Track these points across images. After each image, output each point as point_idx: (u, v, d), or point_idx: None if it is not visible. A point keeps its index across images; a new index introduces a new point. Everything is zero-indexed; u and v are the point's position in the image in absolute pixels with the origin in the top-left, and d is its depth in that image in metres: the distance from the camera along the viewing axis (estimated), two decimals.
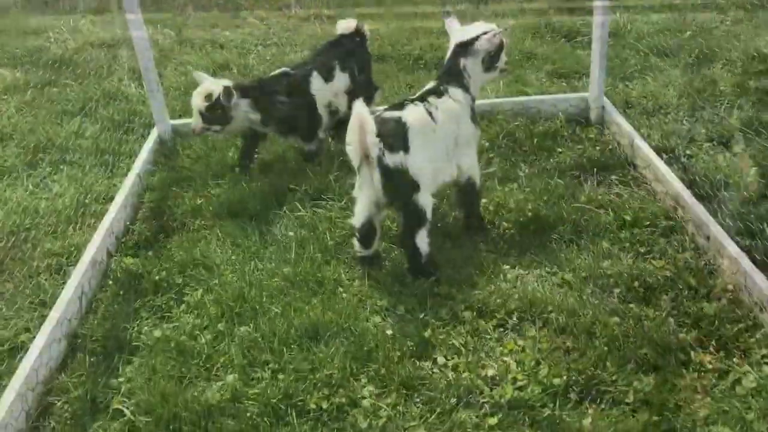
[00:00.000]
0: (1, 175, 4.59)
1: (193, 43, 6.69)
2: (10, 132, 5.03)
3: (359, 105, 3.06)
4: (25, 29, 7.21)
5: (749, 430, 2.54)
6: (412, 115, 3.33)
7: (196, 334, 3.18)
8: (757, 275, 3.06)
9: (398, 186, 3.24)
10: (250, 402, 2.81)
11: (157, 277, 3.52)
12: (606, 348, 2.90)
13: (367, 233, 3.41)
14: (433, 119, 3.37)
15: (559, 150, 4.47)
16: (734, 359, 2.85)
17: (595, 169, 4.22)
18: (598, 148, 4.48)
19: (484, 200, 3.95)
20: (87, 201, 4.28)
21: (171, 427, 2.71)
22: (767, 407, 2.61)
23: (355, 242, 3.47)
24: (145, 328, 3.27)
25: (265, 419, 2.73)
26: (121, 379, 2.98)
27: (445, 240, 3.67)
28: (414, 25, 6.59)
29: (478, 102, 4.86)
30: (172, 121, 4.88)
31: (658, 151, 4.25)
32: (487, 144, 4.53)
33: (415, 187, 3.25)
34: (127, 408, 2.83)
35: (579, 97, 4.86)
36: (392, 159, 3.17)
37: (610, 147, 4.49)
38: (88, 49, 6.60)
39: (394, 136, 3.18)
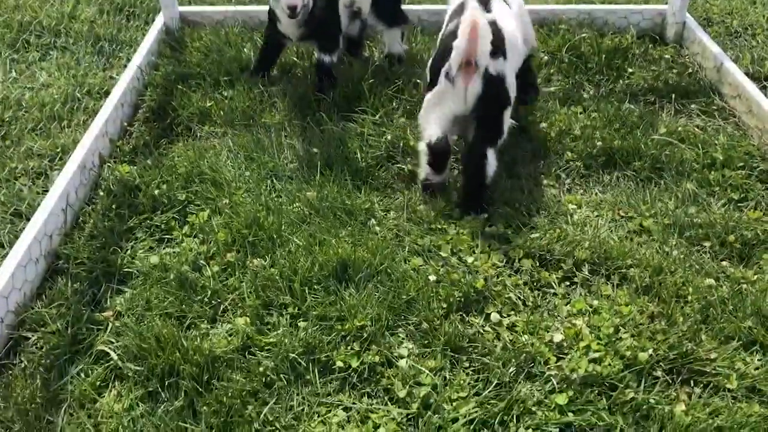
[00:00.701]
0: None
1: None
2: None
3: (473, 4, 2.72)
4: None
5: None
6: (504, 17, 2.91)
7: (200, 264, 2.65)
8: None
9: (496, 96, 2.77)
10: (263, 353, 2.32)
11: (156, 191, 2.96)
12: (700, 317, 2.38)
13: (442, 153, 2.88)
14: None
15: (630, 70, 3.82)
16: None
17: (672, 96, 3.59)
18: (675, 70, 3.83)
19: (542, 124, 3.35)
20: (78, 95, 3.67)
21: (166, 381, 2.23)
22: None
23: (425, 165, 2.93)
24: (140, 252, 2.75)
25: (281, 376, 2.24)
26: (108, 314, 2.48)
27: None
28: None
29: (537, 7, 4.21)
30: (181, 8, 4.21)
31: (750, 78, 3.60)
32: (546, 58, 3.87)
33: (507, 98, 2.83)
34: (114, 351, 2.34)
35: (655, 10, 4.15)
36: (495, 66, 2.74)
37: (690, 70, 3.84)
38: None
39: (496, 41, 2.73)
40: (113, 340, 2.37)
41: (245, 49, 3.90)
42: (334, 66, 3.60)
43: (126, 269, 2.66)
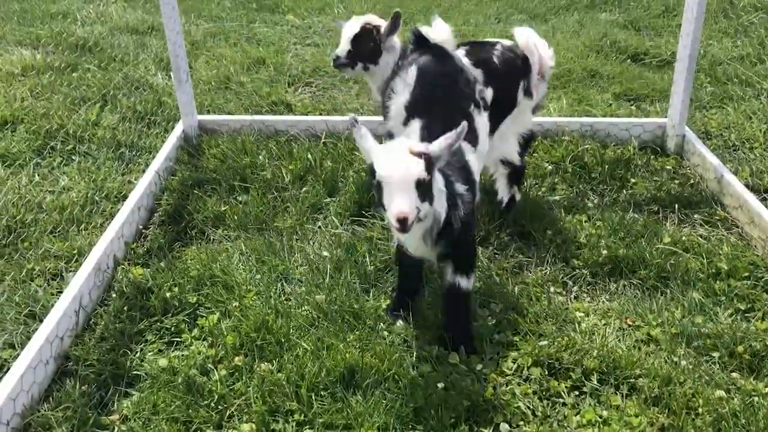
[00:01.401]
0: (5, 161, 4.12)
1: (228, 36, 6.23)
2: (22, 116, 4.56)
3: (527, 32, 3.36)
4: (51, 11, 6.80)
5: None
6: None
7: (208, 368, 2.66)
8: None
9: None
10: None
11: (168, 294, 3.01)
12: (712, 430, 2.34)
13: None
14: None
15: (633, 181, 3.92)
16: None
17: (675, 206, 3.67)
18: (677, 181, 3.94)
19: (549, 231, 3.42)
20: (97, 198, 3.79)
21: None
22: None
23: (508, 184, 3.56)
24: (149, 354, 2.76)
25: None
26: (114, 417, 2.47)
27: (503, 274, 3.14)
28: None
29: (541, 120, 4.38)
30: (200, 117, 4.41)
31: (750, 190, 3.69)
32: (550, 167, 4.00)
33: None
34: None
35: (655, 122, 4.31)
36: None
37: (692, 181, 3.94)
38: (116, 35, 6.17)
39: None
40: None
41: (260, 157, 4.05)
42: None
43: (134, 372, 2.67)
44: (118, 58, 5.62)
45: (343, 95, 5.13)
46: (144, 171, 3.94)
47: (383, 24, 3.58)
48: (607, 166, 3.99)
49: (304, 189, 3.78)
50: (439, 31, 3.05)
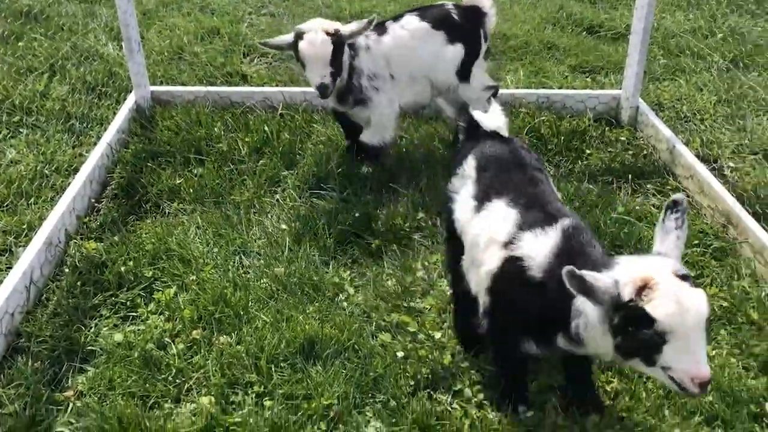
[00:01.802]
0: None
1: (181, 5, 6.06)
2: None
3: None
4: None
5: None
6: None
7: (165, 342, 2.63)
8: None
9: None
10: None
11: (122, 268, 2.95)
12: (663, 393, 2.41)
13: None
14: None
15: (588, 152, 3.98)
16: None
17: (629, 176, 3.74)
18: (631, 152, 4.01)
19: None
20: (47, 171, 3.68)
21: None
22: None
23: None
24: (105, 329, 2.72)
25: None
26: (69, 394, 2.43)
27: None
28: None
29: (499, 91, 4.40)
30: (153, 88, 4.29)
31: (700, 160, 3.77)
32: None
33: None
34: None
35: (610, 94, 4.37)
36: None
37: (645, 152, 4.01)
38: (63, 3, 5.93)
39: None
40: (73, 421, 2.31)
41: (216, 128, 3.98)
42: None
43: (89, 347, 2.62)
44: (66, 26, 5.42)
45: (299, 66, 5.05)
46: (95, 143, 3.83)
47: (338, 26, 3.34)
48: (562, 138, 4.03)
49: (261, 162, 3.73)
50: (492, 117, 2.66)
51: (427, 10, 3.70)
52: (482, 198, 2.38)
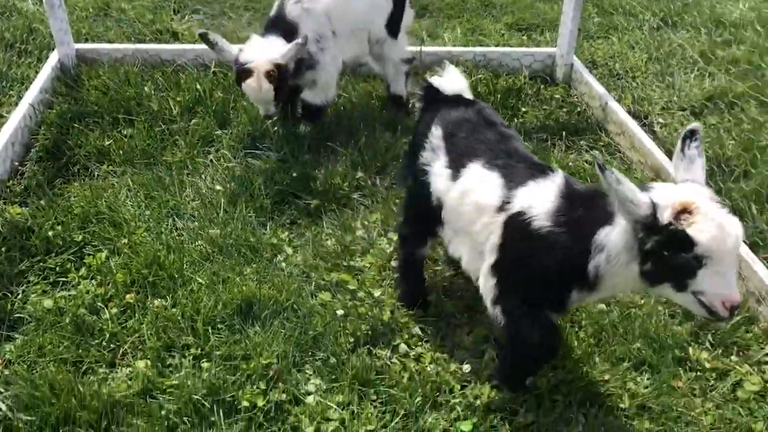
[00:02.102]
0: None
1: None
2: None
3: None
4: None
5: None
6: None
7: (98, 307, 2.56)
8: (755, 262, 2.72)
9: None
10: (165, 397, 2.25)
11: (50, 233, 2.85)
12: (594, 341, 2.50)
13: None
14: None
15: (524, 109, 4.02)
16: (732, 357, 2.51)
17: (563, 133, 3.79)
18: (565, 109, 4.06)
19: None
20: None
21: (60, 430, 2.12)
22: None
23: None
24: (33, 296, 2.63)
25: (185, 419, 2.18)
26: None
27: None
28: None
29: (435, 49, 4.39)
30: (78, 45, 4.10)
31: (631, 116, 3.86)
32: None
33: None
34: (3, 401, 2.20)
35: (545, 52, 4.40)
36: None
37: (579, 109, 4.08)
38: None
39: None
40: (2, 390, 2.24)
41: (145, 88, 3.84)
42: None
43: (17, 314, 2.53)
44: None
45: (233, 23, 4.91)
46: (16, 104, 3.65)
47: (279, 55, 3.19)
48: (499, 96, 4.05)
49: (194, 121, 3.63)
50: (452, 80, 2.58)
51: None
52: (457, 165, 2.30)
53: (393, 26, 3.71)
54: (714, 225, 1.74)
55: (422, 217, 2.47)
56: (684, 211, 1.77)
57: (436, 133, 2.41)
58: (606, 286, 2.00)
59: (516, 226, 2.08)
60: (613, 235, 1.90)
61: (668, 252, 1.79)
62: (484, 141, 2.32)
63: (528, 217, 2.05)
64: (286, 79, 3.23)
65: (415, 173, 2.47)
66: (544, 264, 2.05)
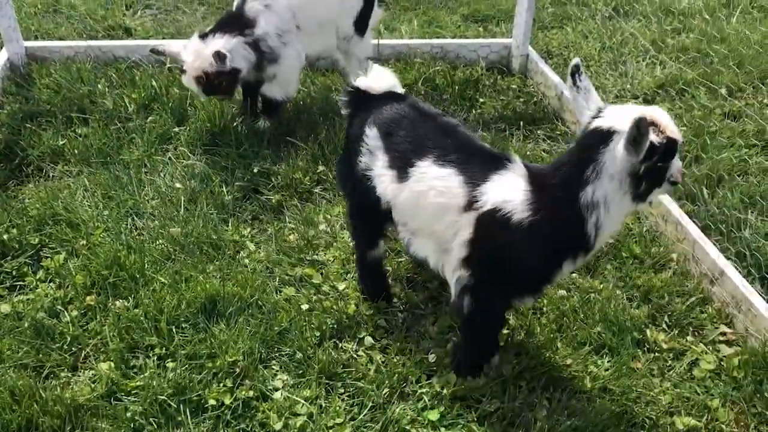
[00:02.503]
0: None
1: None
2: None
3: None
4: None
5: (714, 418, 2.28)
6: None
7: (58, 310, 2.52)
8: (707, 244, 2.81)
9: None
10: (130, 398, 2.23)
11: (5, 236, 2.79)
12: (556, 327, 2.55)
13: None
14: None
15: (482, 100, 4.06)
16: (688, 337, 2.59)
17: (521, 123, 3.85)
18: (522, 99, 4.12)
19: None
20: None
21: None
22: (729, 392, 2.35)
23: None
24: None
25: (151, 420, 2.17)
26: None
27: None
28: None
29: (392, 42, 4.40)
30: (27, 43, 4.00)
31: None
32: (404, 89, 4.03)
33: None
34: None
35: (501, 43, 4.45)
36: None
37: (535, 99, 4.14)
38: None
39: None
40: None
41: (99, 85, 3.77)
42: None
43: None
44: None
45: (187, 17, 4.85)
46: None
47: (209, 66, 3.21)
48: (457, 87, 4.09)
49: (150, 118, 3.58)
50: (379, 78, 2.47)
51: None
52: (401, 165, 2.23)
53: (361, 24, 3.71)
54: (671, 122, 2.01)
55: (369, 222, 2.46)
56: (653, 123, 1.97)
57: (371, 134, 2.33)
58: (601, 238, 2.10)
59: (493, 223, 2.08)
60: (603, 185, 2.01)
61: (662, 162, 2.00)
62: (428, 136, 2.26)
63: (505, 212, 2.07)
64: (220, 80, 3.24)
65: (354, 180, 2.42)
66: (532, 254, 2.09)
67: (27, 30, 4.31)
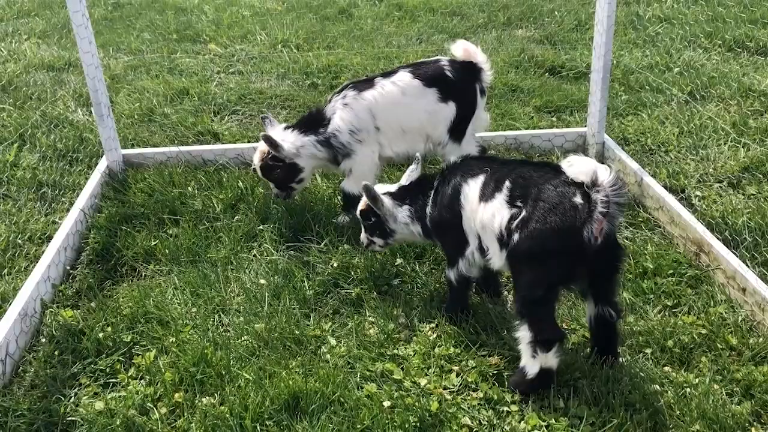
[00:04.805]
0: None
1: (149, 68, 6.13)
2: None
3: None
4: None
5: None
6: None
7: (147, 407, 2.59)
8: None
9: None
10: None
11: (101, 335, 2.92)
12: (651, 425, 2.42)
13: None
14: None
15: None
16: None
17: None
18: None
19: None
20: (20, 241, 3.65)
21: None
22: None
23: None
24: (85, 398, 2.66)
25: None
26: None
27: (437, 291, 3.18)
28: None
29: None
30: (124, 151, 4.31)
31: (668, 190, 3.86)
32: None
33: None
34: None
35: (576, 132, 4.47)
36: None
37: None
38: (31, 72, 5.98)
39: None
40: None
41: (189, 188, 3.99)
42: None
43: (69, 418, 2.56)
44: (35, 95, 5.45)
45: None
46: (68, 210, 3.82)
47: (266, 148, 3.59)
48: None
49: (237, 218, 3.74)
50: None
51: (421, 66, 3.73)
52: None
53: (457, 132, 3.73)
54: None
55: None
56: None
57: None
58: None
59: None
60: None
61: None
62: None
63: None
64: (275, 166, 3.60)
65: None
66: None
67: (125, 139, 4.64)
